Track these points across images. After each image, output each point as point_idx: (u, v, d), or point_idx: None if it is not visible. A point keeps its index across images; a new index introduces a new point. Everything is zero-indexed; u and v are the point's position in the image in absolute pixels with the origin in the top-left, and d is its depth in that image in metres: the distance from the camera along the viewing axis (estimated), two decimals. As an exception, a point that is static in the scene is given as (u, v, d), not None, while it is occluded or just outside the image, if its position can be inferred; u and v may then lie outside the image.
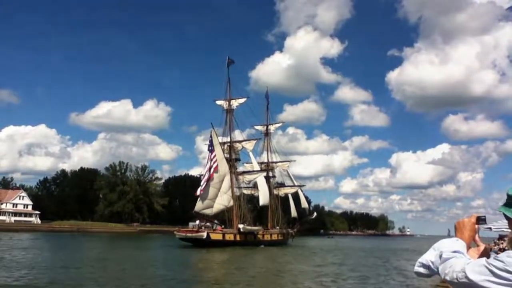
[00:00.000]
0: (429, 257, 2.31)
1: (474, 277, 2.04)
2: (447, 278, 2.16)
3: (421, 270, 2.33)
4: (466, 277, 2.07)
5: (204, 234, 57.07)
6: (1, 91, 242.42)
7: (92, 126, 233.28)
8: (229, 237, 60.96)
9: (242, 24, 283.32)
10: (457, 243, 2.32)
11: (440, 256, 2.25)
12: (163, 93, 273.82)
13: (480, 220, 2.41)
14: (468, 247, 2.36)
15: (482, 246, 2.43)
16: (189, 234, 59.00)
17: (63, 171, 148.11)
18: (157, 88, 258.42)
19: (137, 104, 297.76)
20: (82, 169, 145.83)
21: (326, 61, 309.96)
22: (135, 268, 27.75)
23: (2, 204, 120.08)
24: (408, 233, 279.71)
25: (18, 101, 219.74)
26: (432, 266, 2.28)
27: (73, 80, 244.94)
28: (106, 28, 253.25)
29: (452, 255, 2.22)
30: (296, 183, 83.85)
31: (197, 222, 62.71)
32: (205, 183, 60.18)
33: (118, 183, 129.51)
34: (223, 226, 63.29)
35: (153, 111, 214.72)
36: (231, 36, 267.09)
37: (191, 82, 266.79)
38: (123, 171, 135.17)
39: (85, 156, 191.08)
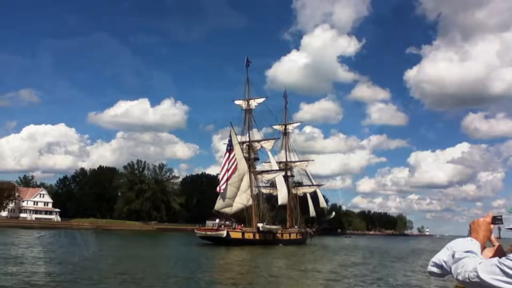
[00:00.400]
0: (442, 256, 2.32)
1: (486, 276, 2.05)
2: (459, 277, 2.17)
3: (434, 269, 2.34)
4: (478, 276, 2.07)
5: (224, 233, 57.55)
6: (22, 91, 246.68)
7: (110, 125, 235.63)
8: (249, 235, 61.24)
9: (259, 23, 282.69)
10: (471, 243, 2.31)
11: (453, 256, 2.26)
12: (180, 92, 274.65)
13: (496, 220, 2.38)
14: (483, 247, 2.35)
15: (497, 246, 2.41)
16: (209, 233, 59.60)
17: (82, 169, 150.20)
18: (174, 87, 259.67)
19: (154, 103, 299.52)
20: (101, 167, 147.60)
21: (343, 60, 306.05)
22: (158, 266, 27.82)
23: (23, 202, 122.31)
24: (427, 233, 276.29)
25: (38, 101, 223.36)
26: (444, 266, 2.29)
27: (92, 80, 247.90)
28: (123, 27, 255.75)
29: (464, 255, 2.22)
30: (314, 183, 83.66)
31: (217, 220, 63.10)
32: (225, 183, 60.53)
33: (136, 181, 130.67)
34: (242, 225, 63.62)
35: (171, 110, 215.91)
36: (248, 35, 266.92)
37: (208, 81, 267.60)
38: (141, 169, 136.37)
39: (103, 154, 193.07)
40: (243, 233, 60.72)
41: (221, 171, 62.06)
